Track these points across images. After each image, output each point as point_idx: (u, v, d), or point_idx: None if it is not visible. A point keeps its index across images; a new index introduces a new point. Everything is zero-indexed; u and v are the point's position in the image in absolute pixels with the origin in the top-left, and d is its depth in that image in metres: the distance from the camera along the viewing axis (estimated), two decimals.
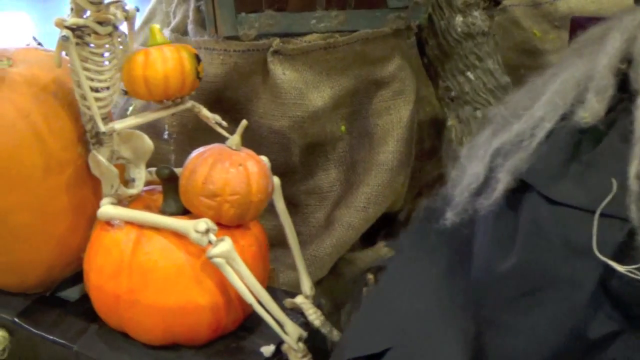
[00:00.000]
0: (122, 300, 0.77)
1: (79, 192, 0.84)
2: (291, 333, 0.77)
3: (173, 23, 1.09)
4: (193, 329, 0.78)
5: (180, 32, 1.06)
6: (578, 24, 0.90)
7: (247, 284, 0.75)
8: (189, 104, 0.85)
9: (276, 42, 0.93)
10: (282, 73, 0.94)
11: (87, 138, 0.82)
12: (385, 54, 0.99)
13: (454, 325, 0.68)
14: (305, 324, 0.82)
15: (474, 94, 1.02)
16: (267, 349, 0.79)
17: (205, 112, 0.86)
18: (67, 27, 0.74)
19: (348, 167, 1.02)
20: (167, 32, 1.07)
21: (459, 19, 0.99)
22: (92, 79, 0.77)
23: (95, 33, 0.76)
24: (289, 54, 0.94)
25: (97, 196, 0.84)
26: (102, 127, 0.78)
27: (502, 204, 0.68)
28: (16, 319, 0.86)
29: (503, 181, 0.68)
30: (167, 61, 0.78)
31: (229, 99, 0.99)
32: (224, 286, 0.77)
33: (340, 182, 1.02)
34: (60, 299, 0.90)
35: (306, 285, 0.87)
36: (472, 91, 1.01)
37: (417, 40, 1.05)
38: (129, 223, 0.79)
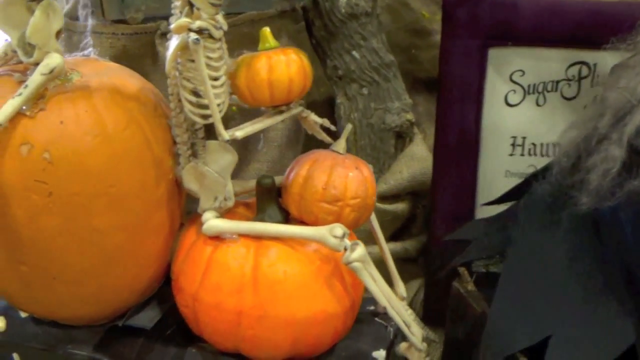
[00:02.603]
0: (246, 317, 0.72)
1: (171, 207, 0.78)
2: (416, 334, 0.77)
3: (66, 8, 1.09)
4: (319, 339, 0.74)
5: (72, 17, 1.06)
6: (448, 4, 0.95)
7: (380, 287, 0.73)
8: (300, 108, 0.80)
9: (163, 25, 0.95)
10: None
11: (177, 150, 0.77)
12: None
13: (613, 304, 0.68)
14: None
15: (359, 72, 1.06)
16: (380, 354, 0.77)
17: (313, 117, 0.82)
18: (192, 30, 0.68)
19: (240, 145, 1.05)
20: None
21: (342, 0, 1.03)
22: (212, 86, 0.71)
23: (211, 37, 0.70)
24: None
25: (182, 211, 0.81)
26: (226, 135, 0.73)
27: None
28: (94, 355, 0.76)
29: None
30: (290, 64, 0.73)
31: None
32: (348, 291, 0.75)
33: None
34: (132, 327, 0.78)
35: (401, 287, 0.86)
36: (358, 69, 1.06)
37: (305, 22, 1.09)
38: (242, 235, 0.74)
